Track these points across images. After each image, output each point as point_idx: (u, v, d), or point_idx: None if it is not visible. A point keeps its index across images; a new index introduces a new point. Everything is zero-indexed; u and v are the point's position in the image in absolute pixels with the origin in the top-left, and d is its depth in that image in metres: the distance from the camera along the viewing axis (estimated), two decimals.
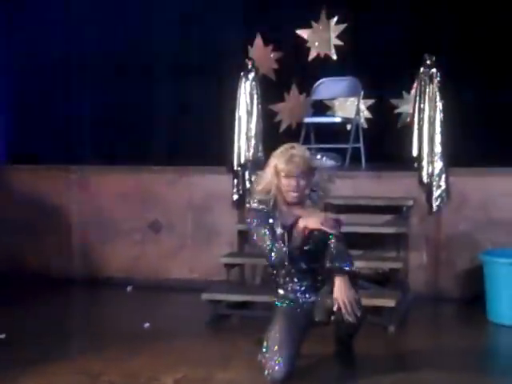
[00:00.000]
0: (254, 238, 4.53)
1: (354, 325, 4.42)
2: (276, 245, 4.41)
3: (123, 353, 5.00)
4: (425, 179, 6.53)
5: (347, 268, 4.36)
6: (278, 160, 4.47)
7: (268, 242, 4.43)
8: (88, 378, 4.53)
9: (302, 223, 4.39)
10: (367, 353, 4.86)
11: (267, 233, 4.43)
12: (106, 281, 7.17)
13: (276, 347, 4.38)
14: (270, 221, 4.45)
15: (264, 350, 4.43)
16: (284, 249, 4.41)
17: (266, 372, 4.37)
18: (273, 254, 4.44)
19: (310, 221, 4.38)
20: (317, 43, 8.38)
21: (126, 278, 7.10)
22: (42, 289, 6.89)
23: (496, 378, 4.65)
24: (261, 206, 4.49)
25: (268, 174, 4.51)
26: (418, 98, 6.60)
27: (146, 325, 5.67)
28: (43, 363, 4.77)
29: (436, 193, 6.50)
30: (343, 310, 4.29)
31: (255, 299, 6.02)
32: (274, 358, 4.36)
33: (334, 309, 4.33)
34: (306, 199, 4.53)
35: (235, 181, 6.92)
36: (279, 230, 4.43)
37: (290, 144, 4.60)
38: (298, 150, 4.52)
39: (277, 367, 4.33)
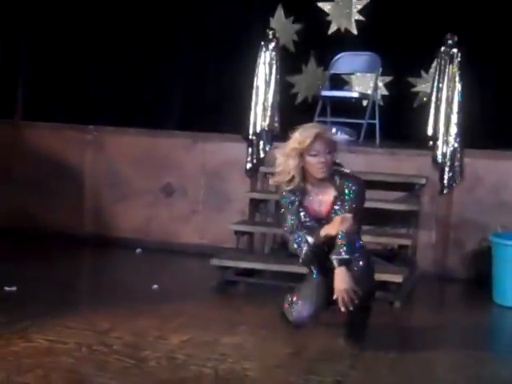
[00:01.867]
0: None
1: (359, 313, 4.48)
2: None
3: (132, 312, 5.06)
4: (439, 159, 6.56)
5: (342, 256, 4.31)
6: (301, 140, 4.40)
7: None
8: (97, 334, 4.60)
9: (323, 232, 4.39)
10: (372, 327, 4.89)
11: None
12: (116, 241, 7.23)
13: (306, 296, 4.54)
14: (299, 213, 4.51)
15: (295, 297, 4.57)
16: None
17: (293, 315, 4.55)
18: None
19: (332, 229, 4.37)
20: (338, 17, 8.36)
21: (136, 240, 7.16)
22: (53, 246, 6.97)
23: (497, 358, 4.69)
24: (291, 197, 4.51)
25: (289, 159, 4.42)
26: (436, 78, 6.60)
27: (155, 286, 5.74)
28: (53, 318, 4.83)
29: (449, 173, 6.53)
30: (339, 302, 4.31)
31: (263, 267, 6.07)
32: (302, 304, 4.53)
33: (334, 298, 4.36)
34: (332, 175, 4.49)
35: (250, 149, 6.96)
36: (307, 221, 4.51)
37: (309, 124, 4.59)
38: (320, 127, 4.50)
39: (303, 310, 4.52)
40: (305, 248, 4.44)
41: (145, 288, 5.72)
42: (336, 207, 4.45)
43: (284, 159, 4.43)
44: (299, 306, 4.54)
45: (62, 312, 4.97)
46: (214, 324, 4.97)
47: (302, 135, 4.42)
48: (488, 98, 7.30)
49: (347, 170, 4.53)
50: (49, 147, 7.60)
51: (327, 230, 4.37)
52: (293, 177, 4.44)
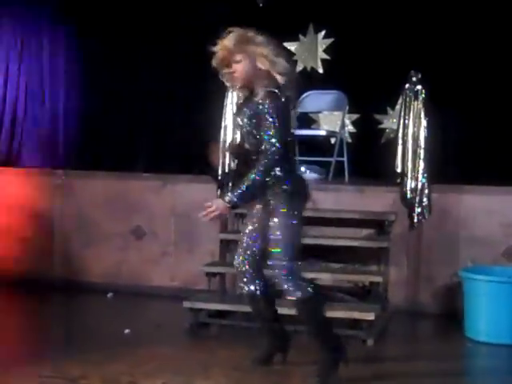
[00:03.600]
0: None
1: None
2: None
3: (103, 358, 5.00)
4: (407, 195, 6.59)
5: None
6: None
7: None
8: (67, 381, 4.53)
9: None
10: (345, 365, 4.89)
11: None
12: (87, 286, 7.17)
13: None
14: None
15: None
16: None
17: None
18: None
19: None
20: (304, 56, 8.44)
21: (107, 284, 7.10)
22: (22, 292, 6.88)
23: None
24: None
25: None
26: (402, 114, 6.66)
27: (127, 331, 5.69)
28: (21, 366, 4.76)
29: (418, 208, 6.56)
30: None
31: (235, 309, 6.04)
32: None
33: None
34: (258, 83, 4.60)
35: (219, 190, 6.95)
36: None
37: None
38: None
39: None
40: None
41: (116, 333, 5.66)
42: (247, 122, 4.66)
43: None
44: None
45: (31, 360, 4.90)
46: (187, 367, 4.93)
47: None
48: (453, 133, 7.38)
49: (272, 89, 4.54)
50: (17, 192, 7.54)
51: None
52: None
